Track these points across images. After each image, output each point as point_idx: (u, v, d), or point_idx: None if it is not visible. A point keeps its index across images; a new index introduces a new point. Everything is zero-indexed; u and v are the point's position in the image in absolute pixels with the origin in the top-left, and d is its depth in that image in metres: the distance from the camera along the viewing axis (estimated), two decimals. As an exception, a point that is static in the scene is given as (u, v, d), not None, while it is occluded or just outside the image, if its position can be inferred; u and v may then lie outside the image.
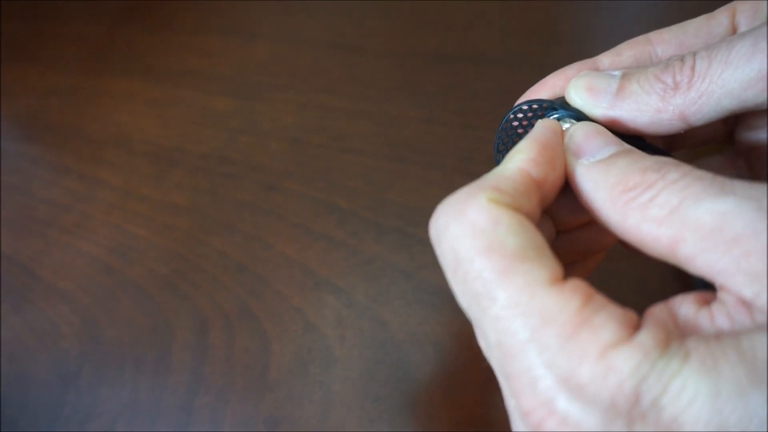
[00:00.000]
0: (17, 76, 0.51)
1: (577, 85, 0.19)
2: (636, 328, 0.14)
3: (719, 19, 0.20)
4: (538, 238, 0.15)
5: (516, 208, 0.16)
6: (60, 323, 0.34)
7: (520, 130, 0.20)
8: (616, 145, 0.17)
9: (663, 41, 0.21)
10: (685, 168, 0.15)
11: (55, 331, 0.34)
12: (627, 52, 0.21)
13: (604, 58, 0.22)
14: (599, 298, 0.14)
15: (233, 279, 0.34)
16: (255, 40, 0.49)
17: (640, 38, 0.22)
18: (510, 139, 0.21)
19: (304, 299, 0.33)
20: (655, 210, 0.14)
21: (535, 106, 0.20)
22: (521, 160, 0.17)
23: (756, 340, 0.12)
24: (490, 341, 0.15)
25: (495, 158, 0.21)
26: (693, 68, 0.17)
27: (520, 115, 0.20)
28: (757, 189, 0.13)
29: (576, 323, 0.13)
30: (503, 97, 0.41)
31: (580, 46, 0.44)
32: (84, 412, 0.31)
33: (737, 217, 0.13)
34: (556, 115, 0.19)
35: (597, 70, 0.21)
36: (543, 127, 0.18)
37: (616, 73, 0.19)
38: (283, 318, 0.32)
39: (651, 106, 0.18)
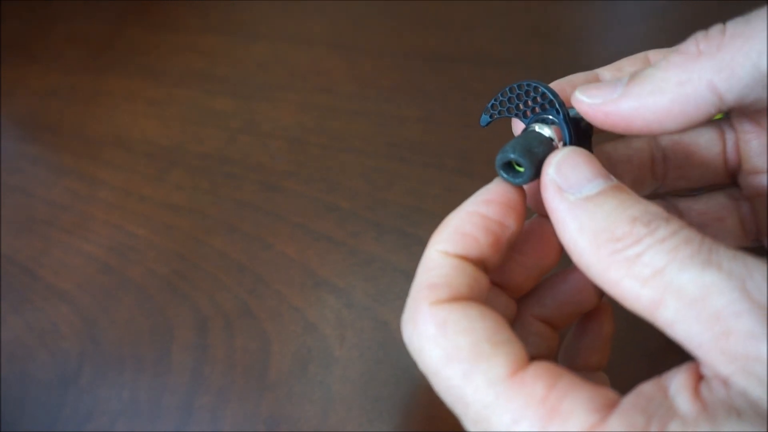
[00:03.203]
0: (17, 76, 0.51)
1: (582, 87, 0.18)
2: (611, 407, 0.13)
3: None
4: (489, 325, 0.15)
5: (457, 298, 0.16)
6: (60, 323, 0.34)
7: (510, 106, 0.20)
8: (605, 178, 0.16)
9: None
10: (674, 225, 0.14)
11: (55, 331, 0.34)
12: (628, 67, 0.20)
13: (606, 72, 0.21)
14: (566, 380, 0.14)
15: (233, 279, 0.34)
16: (255, 40, 0.49)
17: (640, 55, 0.21)
18: (503, 108, 0.20)
19: (304, 299, 0.33)
20: (640, 268, 0.14)
21: (536, 94, 0.19)
22: (436, 242, 0.17)
23: None
24: None
25: (482, 116, 0.21)
26: (723, 32, 0.15)
27: (519, 92, 0.20)
28: (743, 264, 0.13)
29: (544, 415, 0.13)
30: (503, 97, 0.41)
31: (580, 46, 0.44)
32: (84, 412, 0.31)
33: (720, 293, 0.13)
34: (550, 117, 0.19)
35: (594, 77, 0.21)
36: (463, 212, 0.18)
37: (624, 78, 0.17)
38: (283, 318, 0.32)
39: (671, 81, 0.16)
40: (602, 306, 0.21)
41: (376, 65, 0.45)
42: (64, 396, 0.31)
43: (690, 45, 0.16)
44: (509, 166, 0.18)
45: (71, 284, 0.36)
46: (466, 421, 0.15)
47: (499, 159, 0.18)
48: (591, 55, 0.43)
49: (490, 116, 0.20)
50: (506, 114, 0.20)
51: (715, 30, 0.15)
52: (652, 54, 0.20)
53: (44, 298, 0.35)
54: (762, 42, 0.14)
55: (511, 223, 0.17)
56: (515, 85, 0.19)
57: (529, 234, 0.20)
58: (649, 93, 0.16)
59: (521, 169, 0.18)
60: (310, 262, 0.34)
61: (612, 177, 0.16)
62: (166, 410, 0.30)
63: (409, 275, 0.33)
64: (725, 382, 0.13)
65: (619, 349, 0.25)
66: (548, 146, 0.18)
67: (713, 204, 0.22)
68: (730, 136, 0.21)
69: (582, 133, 0.19)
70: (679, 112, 0.16)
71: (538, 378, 0.14)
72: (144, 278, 0.35)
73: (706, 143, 0.21)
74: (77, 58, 0.51)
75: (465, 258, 0.17)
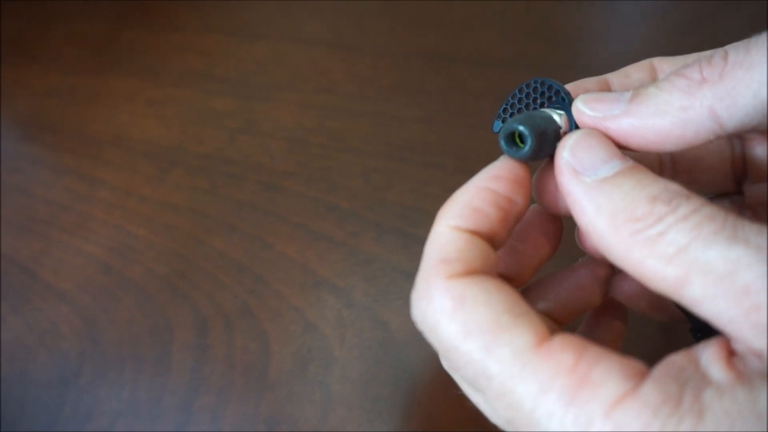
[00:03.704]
0: (17, 76, 0.51)
1: (585, 97, 0.18)
2: (642, 376, 0.13)
3: None
4: (508, 298, 0.15)
5: (472, 272, 0.15)
6: (60, 323, 0.34)
7: (520, 107, 0.20)
8: (621, 159, 0.16)
9: (663, 71, 0.20)
10: (696, 202, 0.14)
11: (55, 331, 0.34)
12: (635, 74, 0.20)
13: (614, 78, 0.21)
14: (593, 350, 0.14)
15: (233, 279, 0.34)
16: (255, 40, 0.49)
17: (645, 62, 0.21)
18: (513, 110, 0.20)
19: (304, 299, 0.33)
20: (663, 247, 0.13)
21: (543, 89, 0.19)
22: (447, 216, 0.17)
23: None
24: (500, 417, 0.15)
25: (494, 122, 0.20)
26: (726, 58, 0.15)
27: (528, 91, 0.19)
28: None
29: (574, 383, 0.13)
30: (503, 97, 0.40)
31: (580, 46, 0.44)
32: (84, 412, 0.31)
33: (748, 267, 0.12)
34: (558, 109, 0.19)
35: (605, 85, 0.20)
36: (474, 186, 0.17)
37: (628, 92, 0.17)
38: (283, 318, 0.32)
39: (673, 105, 0.16)
40: (614, 303, 0.21)
41: (376, 65, 0.45)
42: (64, 396, 0.31)
43: (694, 71, 0.16)
44: (512, 140, 0.18)
45: (71, 284, 0.36)
46: (489, 396, 0.14)
47: (504, 129, 0.17)
48: (591, 55, 0.43)
49: (503, 121, 0.20)
50: (512, 114, 0.20)
51: (718, 57, 0.15)
52: (657, 61, 0.20)
53: (44, 298, 0.35)
54: (762, 73, 0.15)
55: (519, 200, 0.17)
56: (523, 85, 0.19)
57: (527, 223, 0.20)
58: (652, 114, 0.16)
59: (522, 146, 0.17)
60: (310, 262, 0.34)
61: (628, 157, 0.16)
62: (166, 410, 0.30)
63: (409, 275, 0.33)
64: (759, 355, 0.13)
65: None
66: (552, 124, 0.18)
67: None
68: (738, 143, 0.21)
69: None
70: (679, 135, 0.16)
71: (566, 348, 0.14)
72: (144, 278, 0.35)
73: (715, 149, 0.21)
74: (77, 58, 0.51)
75: (476, 233, 0.16)
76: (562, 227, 0.20)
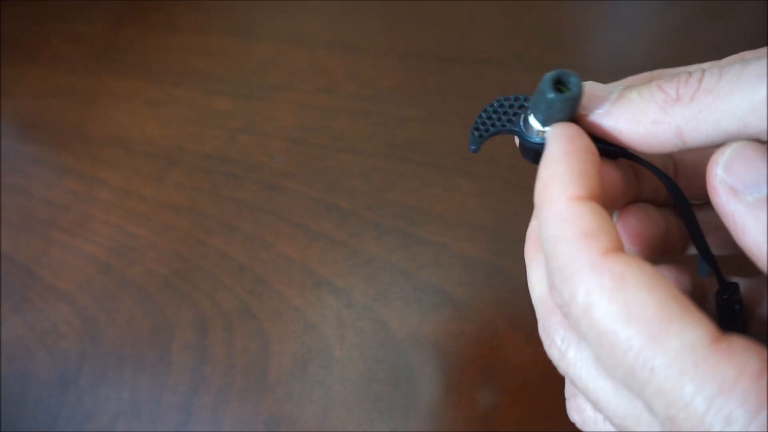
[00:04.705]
0: (17, 76, 0.51)
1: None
2: None
3: None
4: (669, 285, 0.14)
5: (619, 247, 0.14)
6: (60, 323, 0.34)
7: (495, 122, 0.19)
8: None
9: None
10: None
11: (55, 331, 0.34)
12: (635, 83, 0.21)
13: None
14: None
15: (233, 279, 0.34)
16: (255, 40, 0.49)
17: (645, 75, 0.21)
18: (489, 123, 0.19)
19: (304, 299, 0.33)
20: None
21: (513, 101, 0.19)
22: (562, 189, 0.15)
23: None
24: (657, 415, 0.13)
25: (469, 139, 0.20)
26: (700, 81, 0.15)
27: (500, 108, 0.19)
28: None
29: (761, 391, 0.12)
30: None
31: (580, 46, 0.44)
32: (84, 412, 0.31)
33: None
34: (531, 115, 0.18)
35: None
36: (558, 141, 0.16)
37: (620, 86, 0.17)
38: (283, 318, 0.32)
39: (648, 117, 0.16)
40: None
41: (376, 65, 0.45)
42: (64, 396, 0.31)
43: (672, 87, 0.16)
44: (553, 88, 0.17)
45: (71, 284, 0.36)
46: (646, 391, 0.13)
47: (550, 75, 0.17)
48: (591, 55, 0.43)
49: (480, 136, 0.19)
50: (495, 129, 0.19)
51: (694, 78, 0.16)
52: (657, 75, 0.20)
53: (44, 298, 0.35)
54: (729, 102, 0.15)
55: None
56: (494, 102, 0.19)
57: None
58: (628, 120, 0.17)
59: (567, 90, 0.17)
60: (310, 262, 0.34)
61: None
62: (166, 410, 0.30)
63: (409, 275, 0.33)
64: None
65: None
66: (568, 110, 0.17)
67: (715, 215, 0.22)
68: None
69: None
70: (648, 144, 0.16)
71: (749, 351, 0.12)
72: (144, 278, 0.35)
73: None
74: (77, 58, 0.51)
75: (595, 199, 0.15)
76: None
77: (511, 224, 0.34)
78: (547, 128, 0.18)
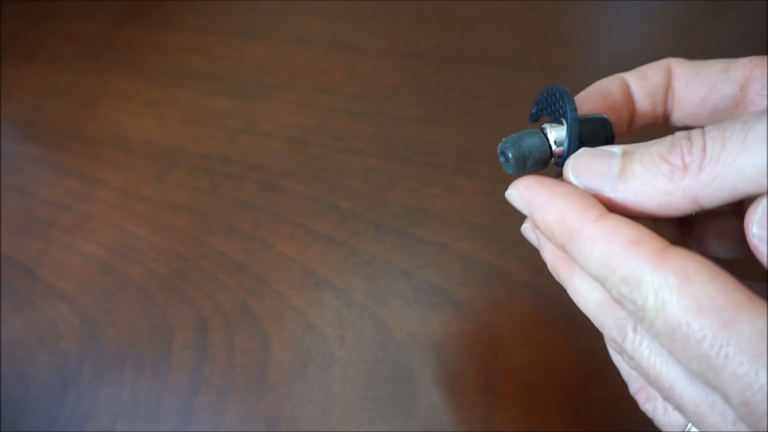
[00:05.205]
0: (17, 76, 0.51)
1: (575, 167, 0.18)
2: None
3: (733, 76, 0.19)
4: (728, 276, 0.14)
5: (669, 247, 0.15)
6: (60, 323, 0.34)
7: (545, 107, 0.20)
8: None
9: (677, 76, 0.20)
10: None
11: (55, 331, 0.34)
12: (653, 77, 0.20)
13: (632, 81, 0.21)
14: None
15: (233, 279, 0.34)
16: (255, 40, 0.49)
17: (663, 63, 0.21)
18: (541, 107, 0.20)
19: (304, 299, 0.33)
20: None
21: (559, 98, 0.19)
22: (584, 215, 0.16)
23: None
24: (732, 400, 0.14)
25: (530, 113, 0.21)
26: (704, 149, 0.16)
27: (548, 95, 0.20)
28: None
29: None
30: (503, 97, 0.41)
31: (580, 46, 0.44)
32: (84, 412, 0.31)
33: None
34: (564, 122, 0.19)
35: (626, 87, 0.21)
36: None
37: (616, 150, 0.17)
38: (283, 318, 0.32)
39: (658, 189, 0.16)
40: None
41: (376, 65, 0.45)
42: (64, 396, 0.31)
43: (676, 157, 0.16)
44: (505, 155, 0.19)
45: (71, 284, 0.36)
46: (720, 378, 0.14)
47: (499, 145, 0.19)
48: (591, 55, 0.43)
49: (535, 113, 0.20)
50: (545, 113, 0.20)
51: (697, 147, 0.16)
52: (674, 63, 0.21)
53: (44, 298, 0.35)
54: (738, 169, 0.15)
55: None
56: (545, 90, 0.20)
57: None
58: (639, 194, 0.17)
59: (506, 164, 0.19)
60: (310, 262, 0.34)
61: None
62: (166, 410, 0.30)
63: (409, 275, 0.33)
64: None
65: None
66: (539, 150, 0.18)
67: (718, 223, 0.22)
68: None
69: (599, 139, 0.19)
70: (663, 212, 0.17)
71: None
72: (144, 278, 0.35)
73: None
74: (77, 58, 0.51)
75: (610, 213, 0.16)
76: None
77: (511, 224, 0.34)
78: (557, 147, 0.19)
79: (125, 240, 0.37)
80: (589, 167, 0.17)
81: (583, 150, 0.18)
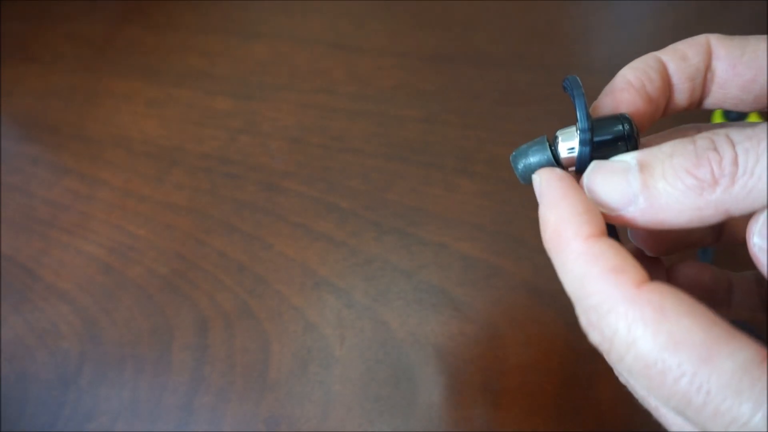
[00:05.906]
0: (17, 76, 0.51)
1: (591, 189, 0.17)
2: None
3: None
4: (706, 309, 0.14)
5: (647, 279, 0.14)
6: (60, 323, 0.34)
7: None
8: None
9: (719, 57, 0.19)
10: None
11: (55, 331, 0.34)
12: (693, 58, 0.19)
13: (670, 62, 0.19)
14: None
15: (233, 279, 0.34)
16: (255, 40, 0.49)
17: (702, 40, 0.19)
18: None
19: (304, 299, 0.33)
20: None
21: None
22: (576, 232, 0.15)
23: None
24: None
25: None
26: (735, 163, 0.15)
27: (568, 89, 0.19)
28: None
29: None
30: (503, 97, 0.41)
31: (580, 46, 0.44)
32: (84, 412, 0.31)
33: None
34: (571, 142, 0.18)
35: (664, 71, 0.19)
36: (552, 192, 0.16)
37: (632, 162, 0.16)
38: (283, 318, 0.32)
39: (688, 206, 0.15)
40: None
41: (376, 65, 0.45)
42: (65, 396, 0.31)
43: (705, 172, 0.15)
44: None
45: (71, 284, 0.36)
46: (701, 415, 0.13)
47: (512, 156, 0.18)
48: (591, 55, 0.43)
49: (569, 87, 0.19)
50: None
51: (728, 159, 0.15)
52: (714, 40, 0.19)
53: (44, 298, 0.35)
54: (764, 182, 0.14)
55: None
56: (565, 80, 0.18)
57: None
58: (668, 213, 0.16)
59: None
60: (310, 262, 0.34)
61: None
62: (166, 410, 0.30)
63: (409, 275, 0.33)
64: None
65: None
66: (543, 159, 0.18)
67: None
68: None
69: (618, 144, 0.18)
70: (693, 225, 0.16)
71: None
72: (144, 278, 0.35)
73: None
74: (77, 58, 0.51)
75: (605, 236, 0.15)
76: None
77: (511, 224, 0.34)
78: (563, 154, 0.18)
79: (125, 240, 0.37)
80: (606, 187, 0.16)
81: (595, 166, 0.17)
